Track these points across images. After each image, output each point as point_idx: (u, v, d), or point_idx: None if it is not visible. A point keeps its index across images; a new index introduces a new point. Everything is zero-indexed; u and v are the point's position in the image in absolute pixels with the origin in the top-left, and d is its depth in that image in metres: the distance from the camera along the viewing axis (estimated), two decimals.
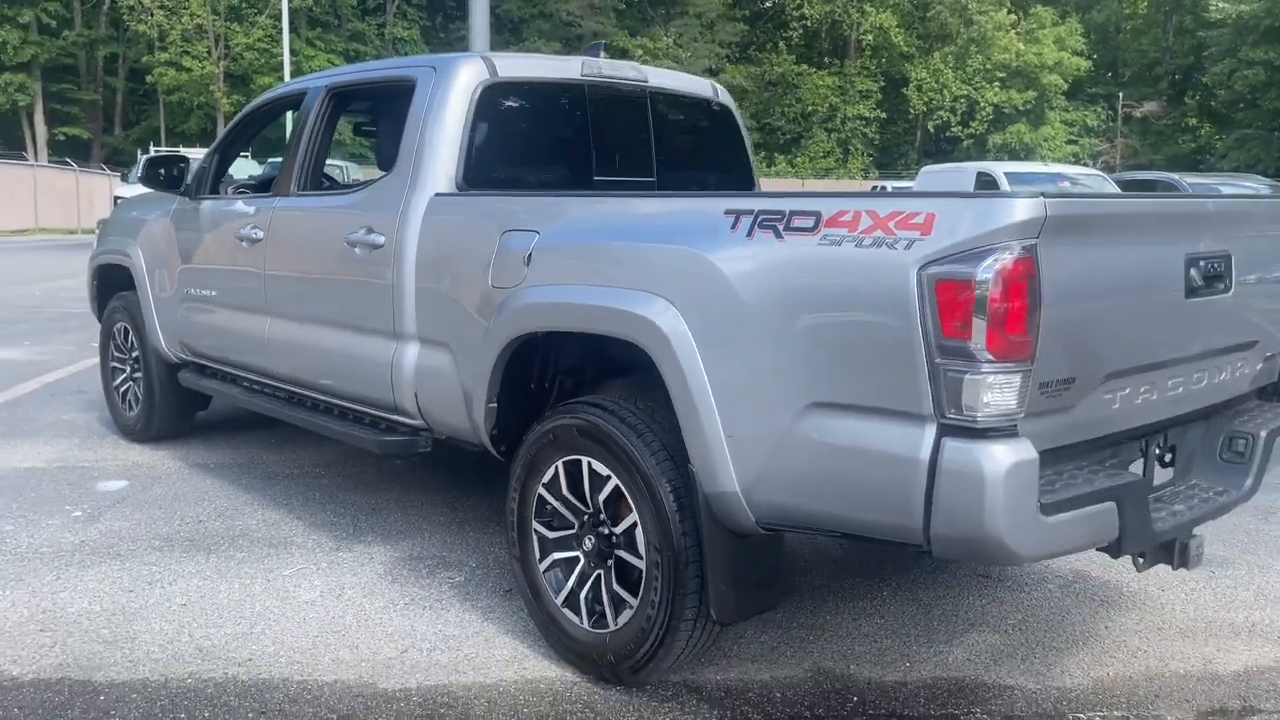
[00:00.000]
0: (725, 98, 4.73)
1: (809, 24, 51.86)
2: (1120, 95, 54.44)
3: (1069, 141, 52.96)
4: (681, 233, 2.86)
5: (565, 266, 3.19)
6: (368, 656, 3.27)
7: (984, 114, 50.75)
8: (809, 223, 2.56)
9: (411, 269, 3.72)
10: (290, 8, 41.64)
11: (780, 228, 2.62)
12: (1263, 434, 3.08)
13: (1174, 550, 2.86)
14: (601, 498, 3.07)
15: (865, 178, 46.85)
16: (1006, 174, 14.45)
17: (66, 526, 4.39)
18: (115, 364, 5.91)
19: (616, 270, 3.02)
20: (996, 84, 50.86)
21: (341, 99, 4.51)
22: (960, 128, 50.91)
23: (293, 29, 43.61)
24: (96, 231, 6.42)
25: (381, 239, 3.81)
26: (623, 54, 46.38)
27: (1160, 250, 2.69)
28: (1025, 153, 48.91)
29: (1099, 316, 2.52)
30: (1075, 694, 3.14)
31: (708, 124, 4.70)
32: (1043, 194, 2.32)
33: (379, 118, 4.88)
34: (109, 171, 39.20)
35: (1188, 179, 16.42)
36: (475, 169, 3.79)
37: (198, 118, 45.09)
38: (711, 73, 47.62)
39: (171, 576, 3.87)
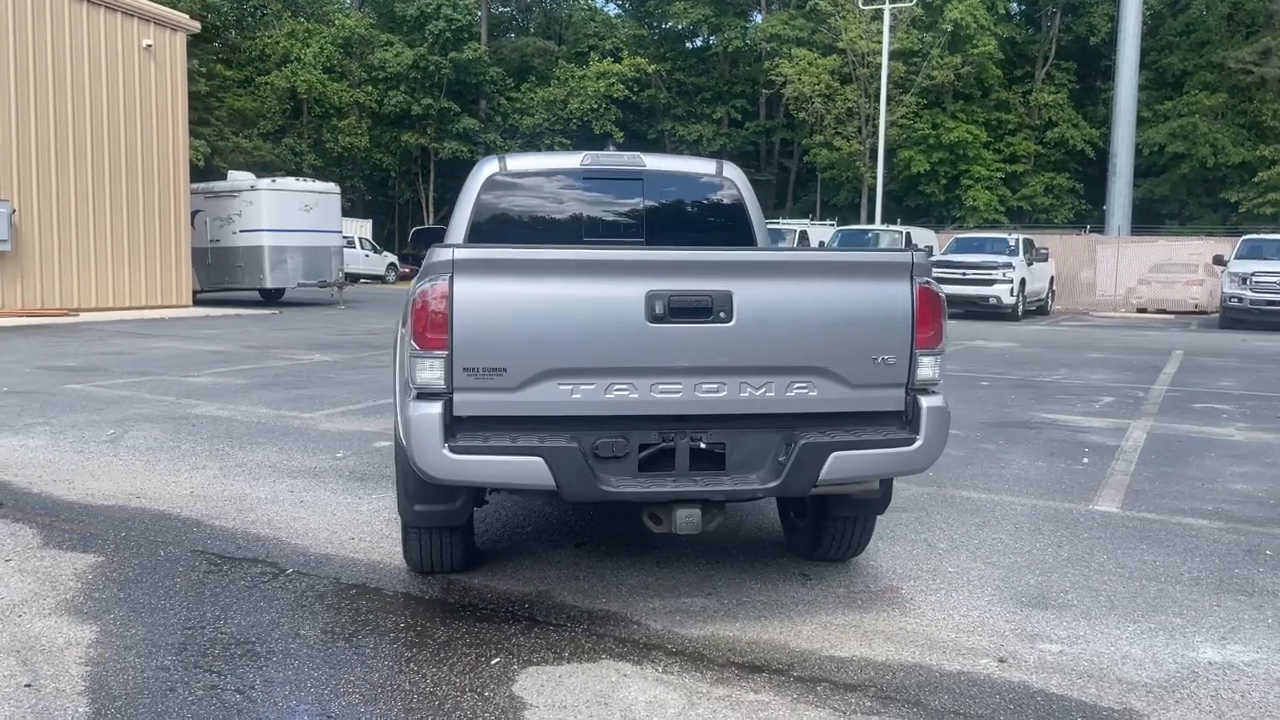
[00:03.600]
0: (729, 171, 5.79)
1: None
2: None
3: None
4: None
5: None
6: (338, 537, 5.22)
7: None
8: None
9: None
10: (934, 84, 44.59)
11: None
12: (801, 443, 3.65)
13: (670, 515, 3.69)
14: None
15: None
16: None
17: (324, 459, 7.01)
18: None
19: None
20: None
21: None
22: None
23: (939, 104, 46.38)
24: None
25: None
26: None
27: (612, 285, 3.59)
28: None
29: (522, 327, 3.56)
30: (705, 638, 3.91)
31: (708, 193, 5.82)
32: (456, 245, 3.55)
33: None
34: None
35: None
36: (477, 235, 5.58)
37: (846, 191, 49.75)
38: None
39: (327, 491, 6.20)
